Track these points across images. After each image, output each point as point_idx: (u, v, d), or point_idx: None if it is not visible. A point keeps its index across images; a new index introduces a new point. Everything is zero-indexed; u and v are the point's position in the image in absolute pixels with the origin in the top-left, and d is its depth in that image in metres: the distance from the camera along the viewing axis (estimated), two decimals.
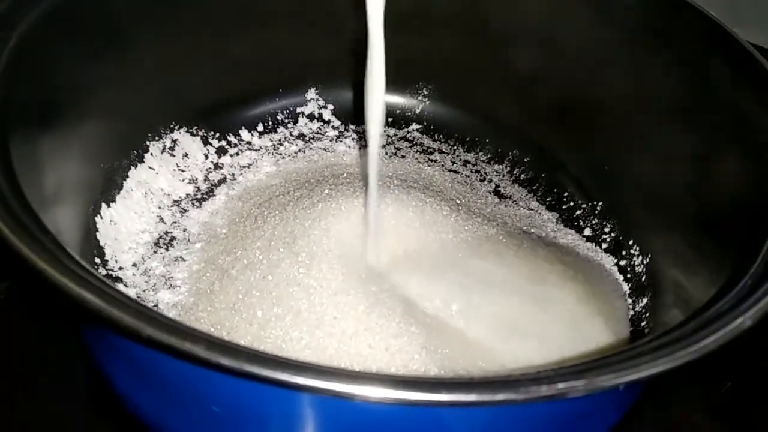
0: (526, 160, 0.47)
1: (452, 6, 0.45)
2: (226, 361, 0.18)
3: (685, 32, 0.37)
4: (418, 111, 0.50)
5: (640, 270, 0.40)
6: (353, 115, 0.49)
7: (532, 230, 0.42)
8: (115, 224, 0.38)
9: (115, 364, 0.27)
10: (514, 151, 0.47)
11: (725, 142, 0.33)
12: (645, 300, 0.38)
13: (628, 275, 0.40)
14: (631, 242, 0.41)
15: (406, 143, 0.48)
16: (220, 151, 0.45)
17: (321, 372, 0.18)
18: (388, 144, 0.48)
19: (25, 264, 0.20)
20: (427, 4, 0.45)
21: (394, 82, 0.48)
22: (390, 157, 0.47)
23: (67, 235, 0.33)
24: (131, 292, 0.36)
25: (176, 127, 0.44)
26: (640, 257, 0.40)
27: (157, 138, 0.43)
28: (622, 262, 0.41)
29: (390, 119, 0.49)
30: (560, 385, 0.19)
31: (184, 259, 0.38)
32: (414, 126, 0.49)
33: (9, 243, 0.21)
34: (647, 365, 0.20)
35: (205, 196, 0.42)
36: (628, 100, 0.41)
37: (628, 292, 0.39)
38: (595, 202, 0.44)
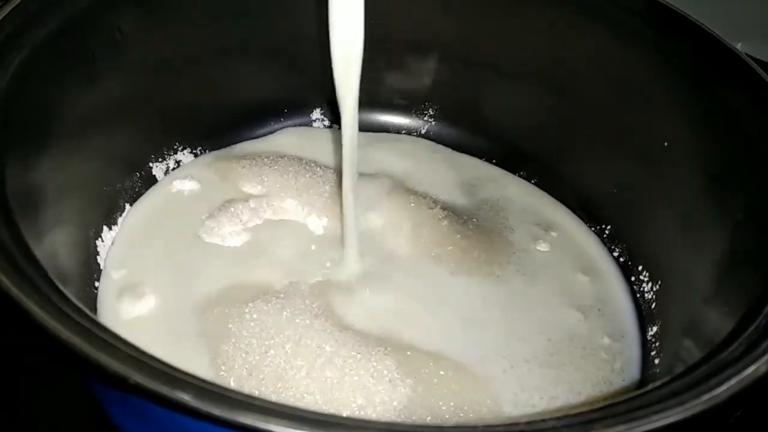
0: (533, 181, 0.46)
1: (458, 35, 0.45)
2: (217, 412, 0.17)
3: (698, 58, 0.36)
4: (423, 131, 0.49)
5: (650, 297, 0.39)
6: None
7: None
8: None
9: (109, 398, 0.26)
10: (521, 172, 0.47)
11: (739, 169, 0.32)
12: (655, 328, 0.38)
13: (638, 302, 0.39)
14: (640, 268, 0.40)
15: None
16: None
17: (319, 423, 0.18)
18: None
19: (11, 301, 0.20)
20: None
21: (397, 104, 0.49)
22: None
23: (66, 258, 0.32)
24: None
25: (179, 148, 0.43)
26: (650, 284, 0.39)
27: (160, 159, 0.42)
28: (632, 288, 0.40)
29: None
30: None
31: None
32: None
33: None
34: (657, 416, 0.19)
35: None
36: (637, 123, 0.40)
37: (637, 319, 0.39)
38: (603, 226, 0.43)
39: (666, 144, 0.38)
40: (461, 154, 0.48)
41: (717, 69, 0.36)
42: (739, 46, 0.56)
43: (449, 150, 0.48)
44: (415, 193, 0.43)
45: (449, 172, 0.46)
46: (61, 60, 0.33)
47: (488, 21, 0.44)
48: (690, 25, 0.38)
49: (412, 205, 0.41)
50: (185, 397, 0.17)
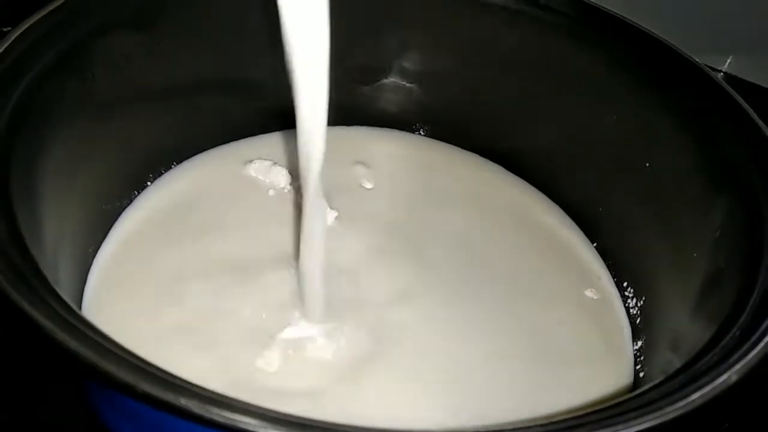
0: None
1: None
2: (221, 419, 0.18)
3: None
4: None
5: (635, 312, 0.40)
6: None
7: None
8: None
9: (106, 404, 0.27)
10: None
11: (718, 191, 0.34)
12: (640, 343, 0.39)
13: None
14: (625, 284, 0.42)
15: None
16: None
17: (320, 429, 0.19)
18: None
19: (20, 314, 0.21)
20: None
21: (391, 123, 0.50)
22: None
23: (65, 276, 0.33)
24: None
25: (176, 166, 0.44)
26: (635, 299, 0.41)
27: (158, 177, 0.43)
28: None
29: None
30: None
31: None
32: None
33: (4, 291, 0.21)
34: (637, 421, 0.20)
35: None
36: (619, 144, 0.42)
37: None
38: (590, 243, 0.45)
39: (648, 165, 0.40)
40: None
41: (699, 98, 0.37)
42: (728, 61, 0.58)
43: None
44: None
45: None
46: (66, 80, 0.34)
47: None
48: (671, 52, 0.39)
49: None
50: (189, 404, 0.18)
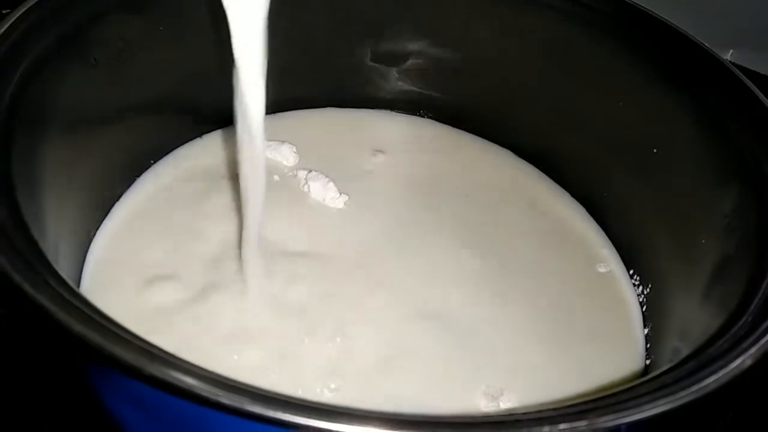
0: None
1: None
2: (226, 400, 0.18)
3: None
4: None
5: (641, 300, 0.40)
6: None
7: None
8: None
9: (117, 400, 0.27)
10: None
11: (727, 179, 0.34)
12: (646, 330, 0.38)
13: None
14: (631, 272, 0.41)
15: None
16: None
17: (327, 413, 0.18)
18: None
19: (25, 299, 0.20)
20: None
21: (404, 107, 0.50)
22: None
23: (65, 260, 0.33)
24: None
25: (174, 151, 0.44)
26: (641, 287, 0.40)
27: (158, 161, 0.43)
28: None
29: None
30: (561, 426, 0.19)
31: None
32: None
33: (9, 276, 0.21)
34: (649, 405, 0.20)
35: None
36: (626, 130, 0.41)
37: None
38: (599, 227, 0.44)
39: (655, 150, 0.39)
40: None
41: (704, 80, 0.37)
42: (729, 54, 0.58)
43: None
44: None
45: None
46: (68, 62, 0.33)
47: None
48: (680, 36, 0.39)
49: None
50: (194, 384, 0.18)
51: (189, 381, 0.18)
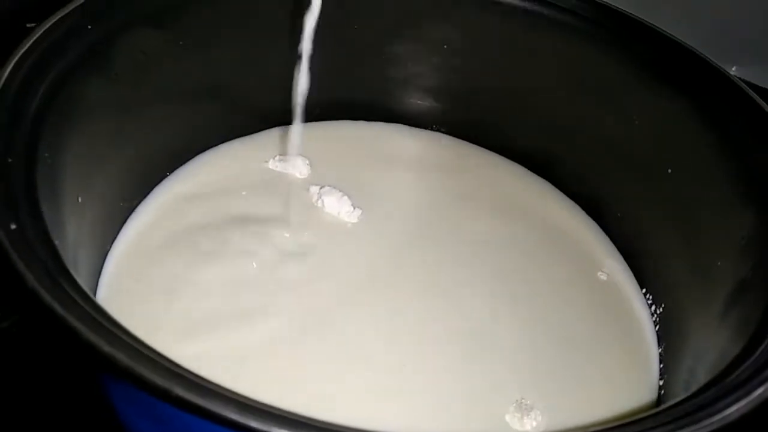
0: None
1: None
2: (256, 425, 0.18)
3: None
4: None
5: (654, 319, 0.40)
6: None
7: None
8: None
9: (123, 401, 0.27)
10: None
11: (745, 201, 0.34)
12: (659, 350, 0.38)
13: None
14: (644, 291, 0.41)
15: None
16: None
17: None
18: None
19: (57, 319, 0.21)
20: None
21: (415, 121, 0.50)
22: None
23: (83, 269, 0.33)
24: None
25: (192, 160, 0.44)
26: (653, 306, 0.40)
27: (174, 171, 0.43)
28: None
29: None
30: None
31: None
32: None
33: (41, 298, 0.21)
34: None
35: None
36: (641, 150, 0.41)
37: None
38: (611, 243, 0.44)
39: (669, 171, 0.39)
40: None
41: (717, 98, 0.37)
42: (733, 69, 0.58)
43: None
44: None
45: None
46: (91, 76, 0.34)
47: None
48: (690, 54, 0.39)
49: None
50: (224, 409, 0.18)
51: (218, 405, 0.18)
